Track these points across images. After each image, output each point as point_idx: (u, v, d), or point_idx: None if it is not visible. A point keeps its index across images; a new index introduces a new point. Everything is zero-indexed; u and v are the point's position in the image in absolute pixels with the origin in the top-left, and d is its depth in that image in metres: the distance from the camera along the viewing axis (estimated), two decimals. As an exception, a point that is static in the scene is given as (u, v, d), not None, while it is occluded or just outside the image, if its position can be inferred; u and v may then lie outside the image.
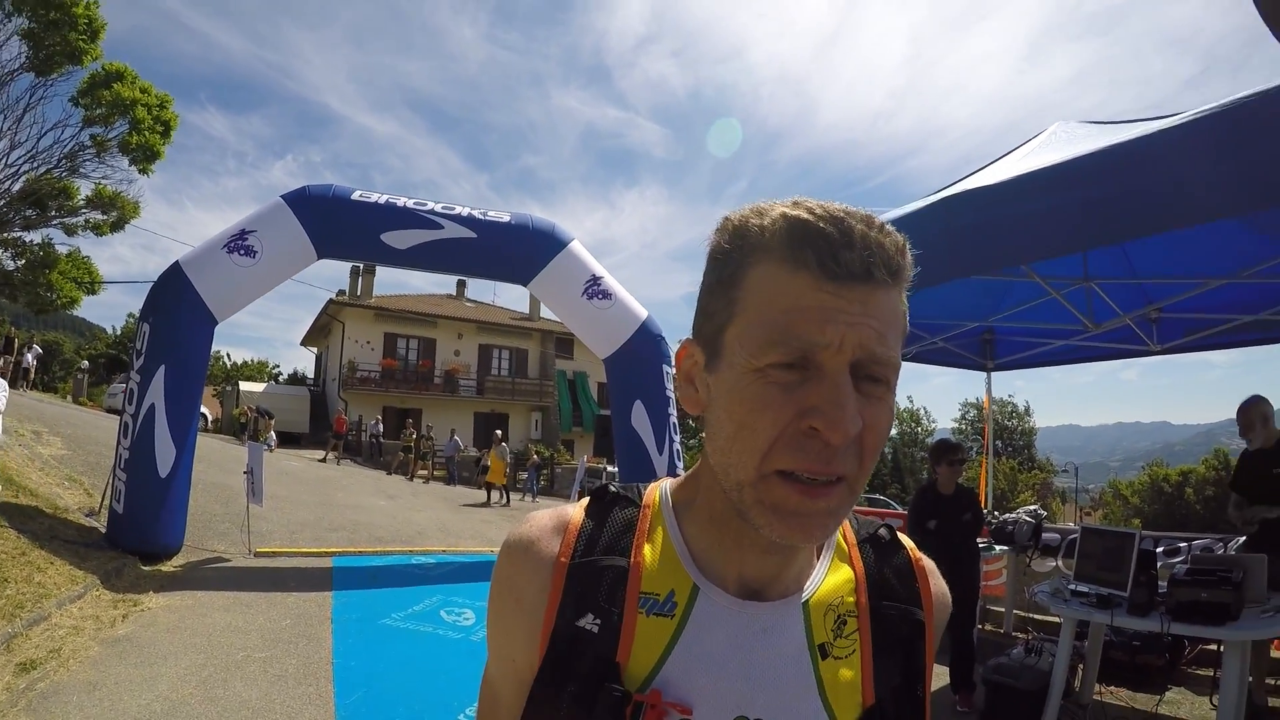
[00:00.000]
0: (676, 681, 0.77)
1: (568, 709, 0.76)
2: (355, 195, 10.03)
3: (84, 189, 16.73)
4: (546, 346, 40.55)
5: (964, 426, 48.99)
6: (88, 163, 16.25)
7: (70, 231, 16.92)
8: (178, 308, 8.99)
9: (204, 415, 23.06)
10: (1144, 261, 5.89)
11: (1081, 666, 5.40)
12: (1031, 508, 8.15)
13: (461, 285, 42.81)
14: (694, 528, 0.85)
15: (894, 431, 47.06)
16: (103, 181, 16.68)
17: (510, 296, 59.80)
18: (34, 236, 16.73)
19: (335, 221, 9.85)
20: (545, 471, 27.48)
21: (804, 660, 0.80)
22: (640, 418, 11.01)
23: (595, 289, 10.97)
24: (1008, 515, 7.97)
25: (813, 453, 0.68)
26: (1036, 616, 7.54)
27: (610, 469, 23.13)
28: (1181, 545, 6.79)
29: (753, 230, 0.74)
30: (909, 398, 61.69)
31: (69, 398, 28.13)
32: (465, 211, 10.43)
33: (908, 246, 0.74)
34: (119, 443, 8.80)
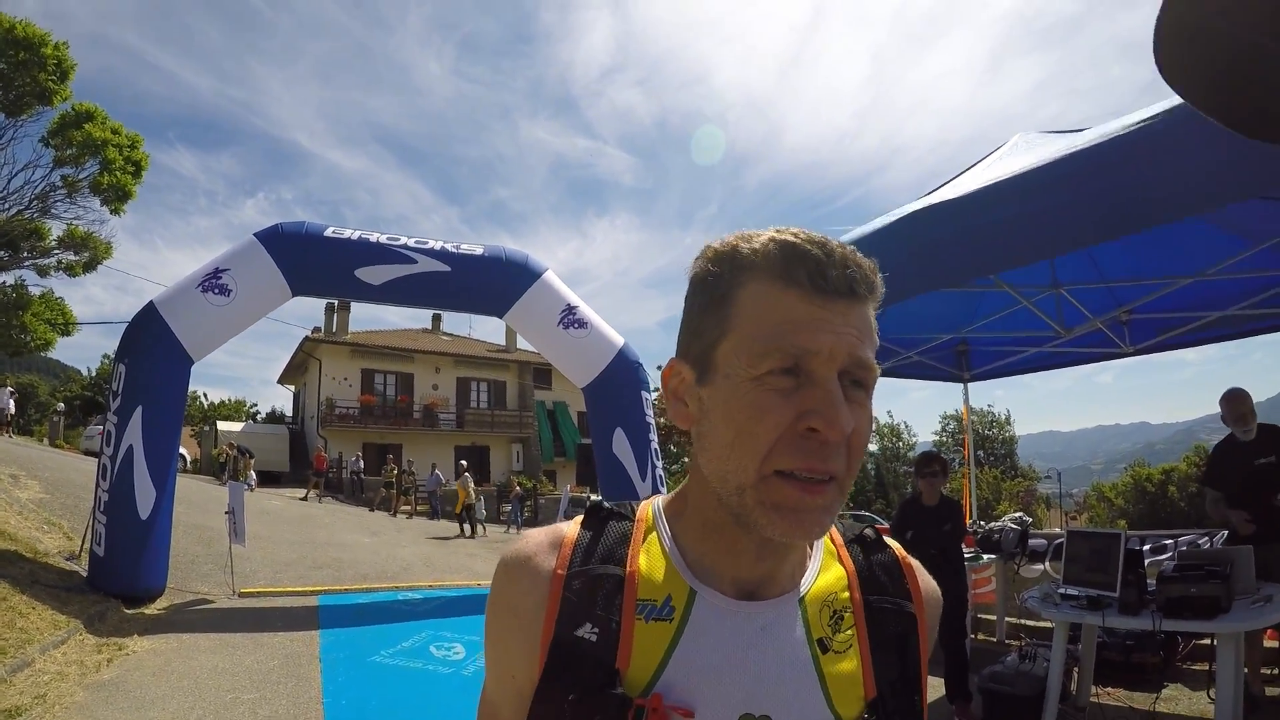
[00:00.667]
0: (678, 685, 0.78)
1: (569, 718, 0.77)
2: (328, 232, 10.02)
3: (56, 230, 16.62)
4: (525, 377, 40.41)
5: (945, 439, 49.18)
6: (59, 203, 16.15)
7: (43, 273, 16.77)
8: (153, 348, 8.93)
9: (182, 456, 22.80)
10: (1111, 265, 5.99)
11: (1076, 669, 5.42)
12: (1016, 515, 8.19)
13: (437, 319, 42.66)
14: (687, 538, 0.87)
15: (875, 447, 47.01)
16: (74, 222, 16.57)
17: (486, 329, 59.77)
18: (6, 278, 16.58)
19: (309, 258, 9.84)
20: (529, 503, 27.33)
21: (805, 655, 0.82)
22: (621, 444, 11.01)
23: (571, 318, 11.00)
24: (993, 524, 8.01)
25: (810, 452, 0.73)
26: (1029, 623, 7.57)
27: (594, 497, 23.05)
28: (1168, 542, 6.84)
29: (742, 253, 0.80)
30: (889, 412, 61.96)
31: (45, 440, 27.72)
32: (438, 245, 10.46)
33: (878, 269, 0.81)
34: (98, 485, 8.69)
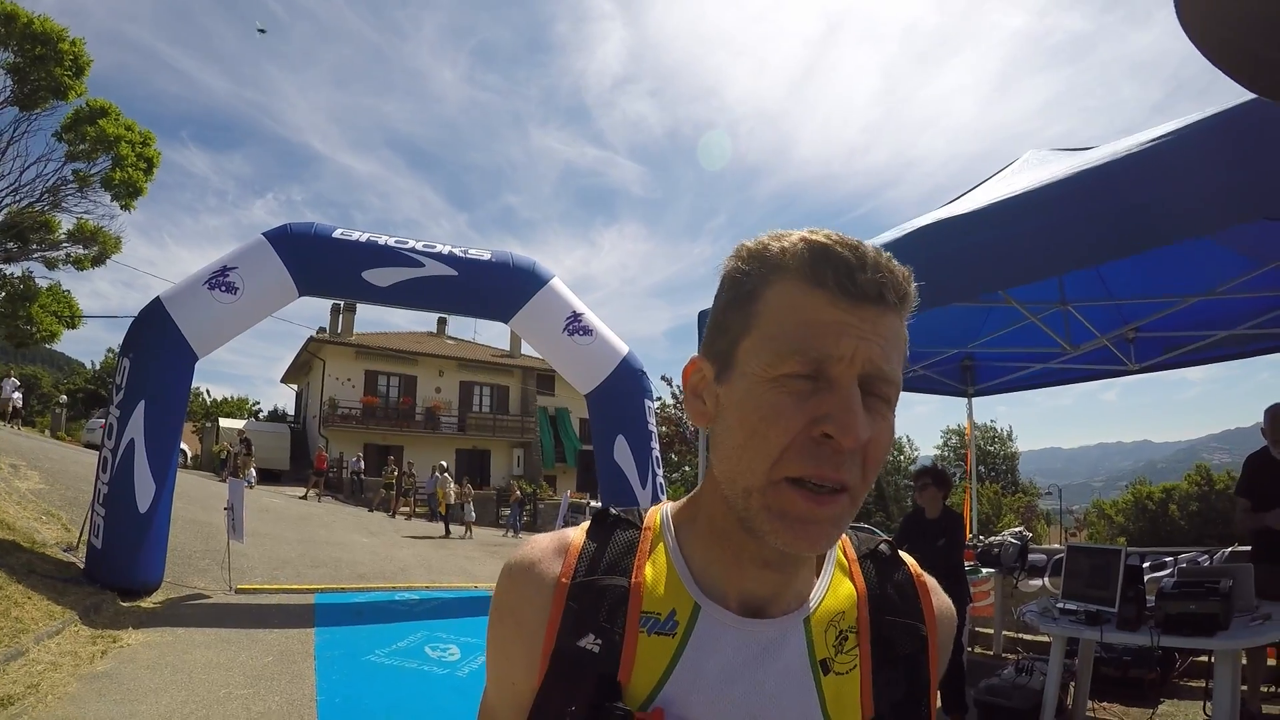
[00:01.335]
0: (678, 700, 0.77)
1: None
2: (337, 233, 10.06)
3: (65, 223, 16.64)
4: (528, 383, 40.42)
5: (947, 453, 49.13)
6: (70, 197, 16.17)
7: (51, 265, 16.79)
8: (158, 343, 8.95)
9: (183, 452, 22.82)
10: (1119, 282, 5.99)
11: (1073, 684, 5.39)
12: (1016, 529, 8.18)
13: (442, 323, 42.68)
14: (694, 546, 0.85)
15: (878, 459, 47.47)
16: (84, 216, 16.59)
17: (491, 334, 59.73)
18: (14, 269, 16.60)
19: (317, 259, 9.87)
20: (528, 508, 27.30)
21: (806, 676, 0.80)
22: (623, 452, 11.00)
23: (576, 325, 11.01)
24: (993, 538, 7.99)
25: (823, 458, 0.71)
26: (1026, 636, 7.55)
27: (594, 504, 23.02)
28: (1168, 559, 6.82)
29: (772, 252, 0.78)
30: (891, 427, 61.68)
31: (47, 432, 27.77)
32: (446, 249, 10.48)
33: (912, 277, 0.79)
34: (98, 477, 8.71)
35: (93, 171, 16.03)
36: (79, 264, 17.03)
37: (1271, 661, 5.45)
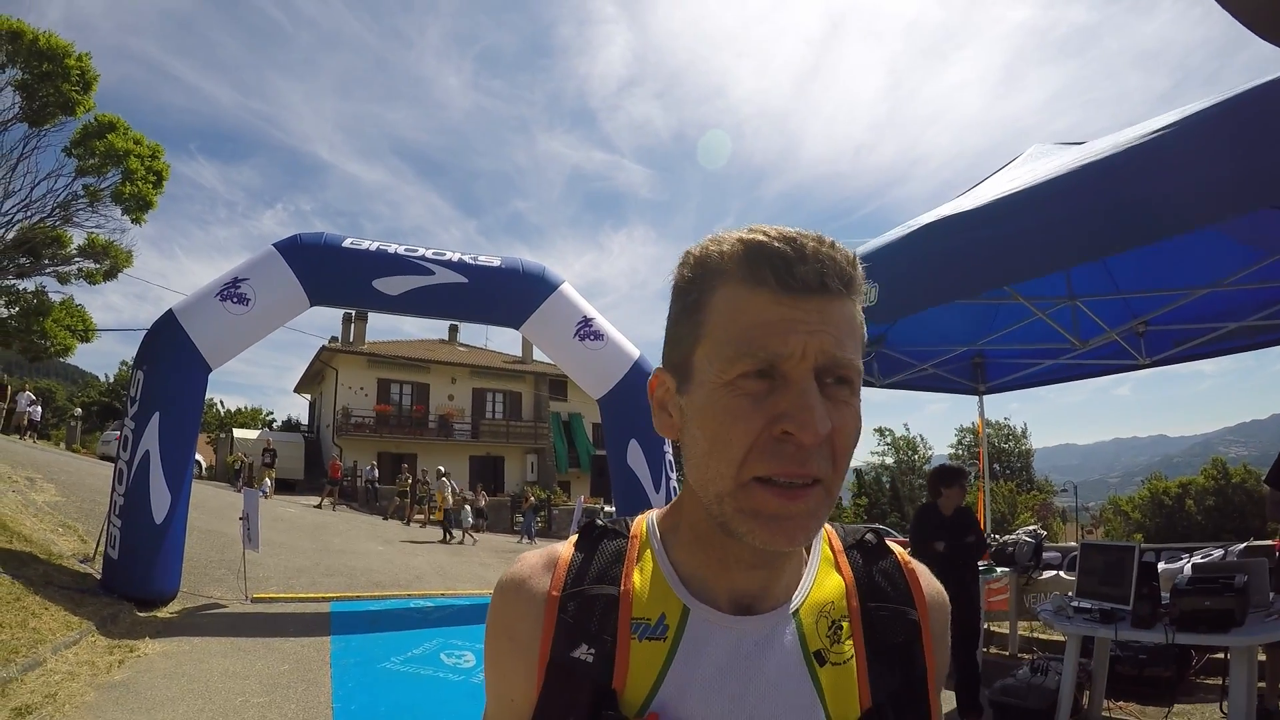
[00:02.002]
0: (674, 702, 0.77)
1: None
2: (347, 243, 10.10)
3: (77, 238, 16.79)
4: (540, 389, 40.45)
5: (961, 451, 48.84)
6: (80, 212, 16.33)
7: (63, 280, 16.95)
8: (172, 355, 9.00)
9: (198, 462, 22.96)
10: (1126, 276, 5.96)
11: (1089, 683, 5.37)
12: (1031, 528, 8.14)
13: (454, 330, 42.76)
14: (681, 552, 0.86)
15: (890, 460, 46.76)
16: (95, 231, 16.76)
17: (502, 340, 59.87)
18: (27, 284, 16.76)
19: (327, 269, 9.91)
20: (543, 513, 27.33)
21: (801, 669, 0.80)
22: (636, 456, 10.99)
23: (587, 330, 11.01)
24: (1008, 537, 7.96)
25: (787, 456, 0.71)
26: (1041, 636, 7.51)
27: (608, 509, 23.02)
28: (1183, 556, 6.78)
29: (713, 257, 0.79)
30: (905, 425, 61.54)
31: (62, 445, 27.95)
32: (456, 257, 10.50)
33: (858, 259, 0.78)
34: (114, 489, 8.76)
35: (103, 186, 16.18)
36: (91, 278, 17.18)
37: None
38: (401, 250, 10.26)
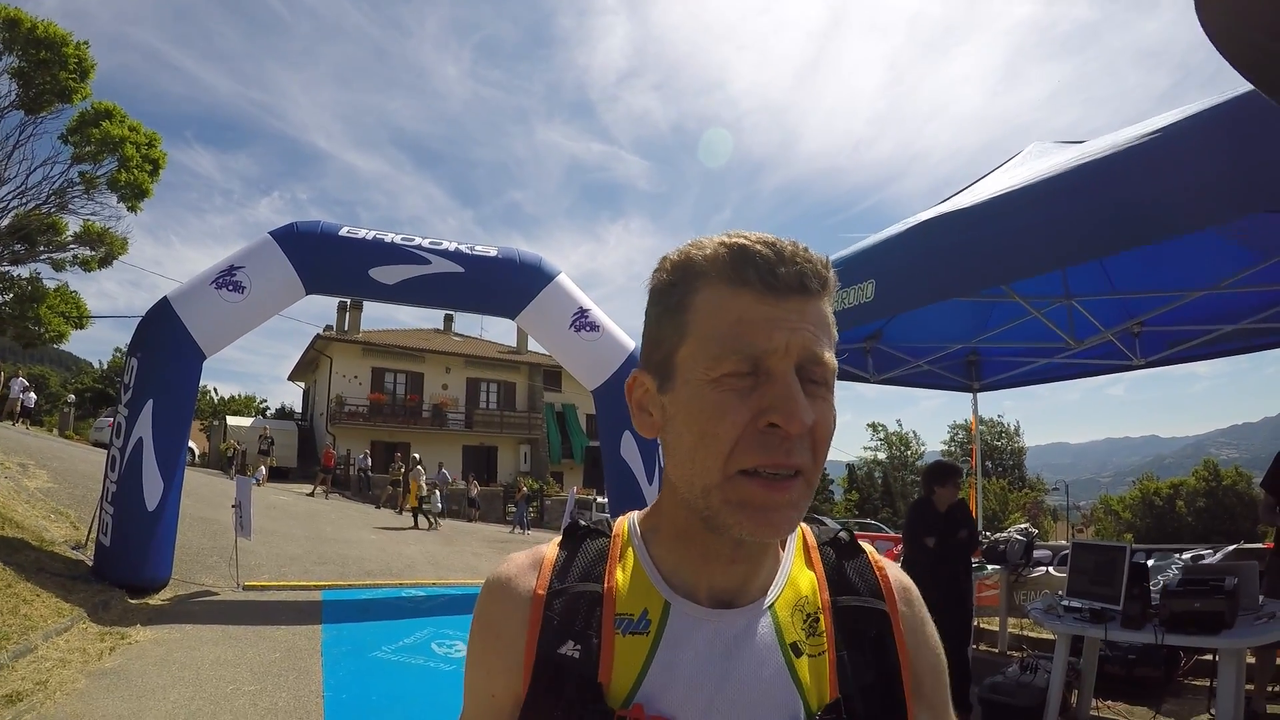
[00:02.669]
0: (657, 695, 0.79)
1: None
2: (343, 231, 10.08)
3: (72, 225, 16.71)
4: (534, 379, 40.42)
5: (953, 448, 49.00)
6: (76, 199, 16.24)
7: (58, 267, 16.86)
8: (166, 342, 8.99)
9: (191, 450, 22.92)
10: (1123, 276, 5.96)
11: (1077, 683, 5.39)
12: (1022, 526, 8.17)
13: (449, 319, 42.73)
14: (662, 549, 0.88)
15: (883, 455, 46.85)
16: (91, 218, 16.66)
17: (498, 330, 59.76)
18: (22, 271, 16.67)
19: (323, 257, 9.89)
20: (535, 504, 27.34)
21: (779, 660, 0.82)
22: (630, 448, 11.01)
23: (583, 321, 11.01)
24: (999, 535, 7.98)
25: (773, 447, 0.74)
26: (1031, 634, 7.54)
27: (601, 500, 23.04)
28: (1174, 557, 6.80)
29: (696, 261, 0.82)
30: (898, 421, 61.58)
31: (55, 431, 27.89)
32: (452, 246, 10.49)
33: (830, 263, 0.82)
34: (106, 476, 8.76)
35: (99, 173, 16.09)
36: (86, 265, 17.10)
37: (1279, 661, 5.43)
38: (398, 239, 10.25)
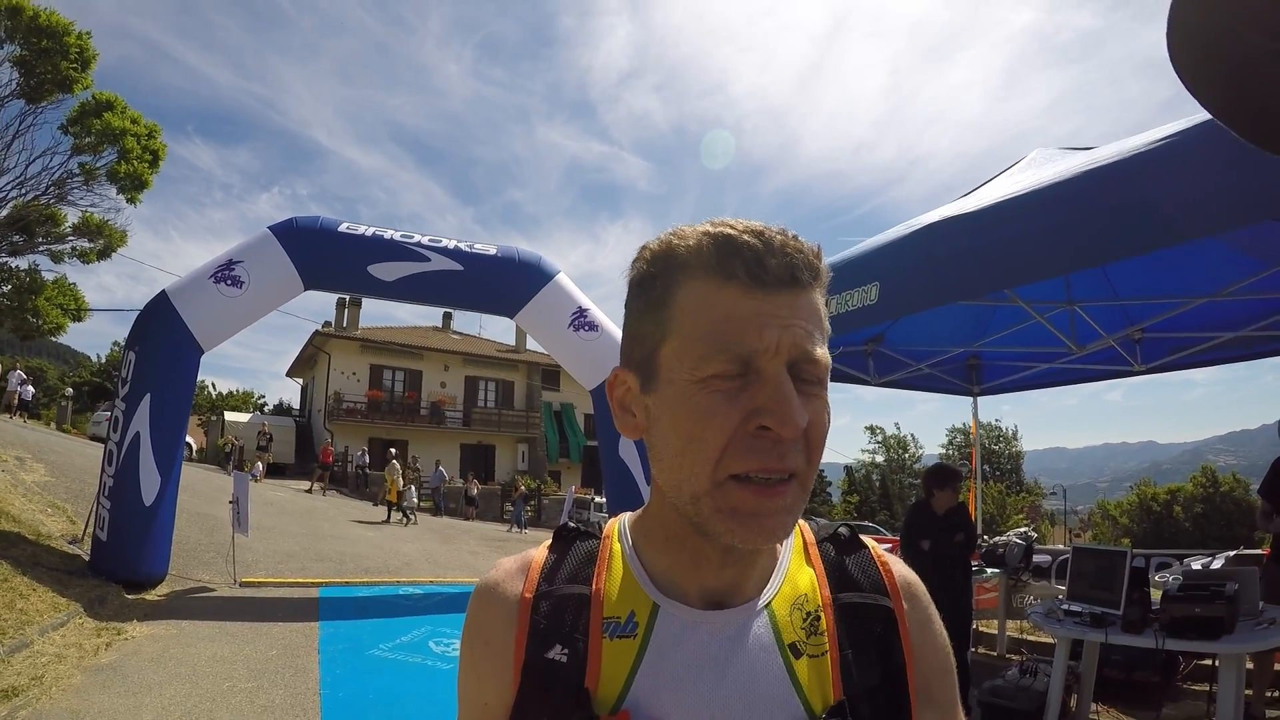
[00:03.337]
0: (646, 700, 0.76)
1: None
2: (343, 227, 10.06)
3: (71, 216, 16.69)
4: (533, 378, 40.42)
5: (952, 452, 48.99)
6: (75, 190, 16.22)
7: (57, 259, 16.85)
8: (164, 337, 8.97)
9: (189, 445, 22.91)
10: (1125, 283, 5.96)
11: (1076, 687, 5.38)
12: (1022, 530, 8.16)
13: (447, 317, 42.74)
14: (652, 551, 0.85)
15: (881, 458, 46.92)
16: (90, 210, 16.65)
17: (496, 329, 59.73)
18: (20, 262, 16.65)
19: (322, 253, 9.87)
20: (533, 503, 27.33)
21: (776, 662, 0.79)
22: (628, 449, 11.01)
23: (581, 321, 11.00)
24: (998, 538, 7.98)
25: (765, 451, 0.71)
26: (1030, 638, 7.53)
27: (598, 499, 23.05)
28: (1173, 562, 6.80)
29: (677, 252, 0.77)
30: (896, 424, 61.58)
31: (53, 425, 27.84)
32: (452, 244, 10.48)
33: (821, 252, 0.78)
34: (103, 470, 8.74)
35: (98, 165, 16.07)
36: (85, 257, 17.08)
37: (1278, 666, 5.43)
38: (398, 236, 10.23)
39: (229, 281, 9.25)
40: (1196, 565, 6.52)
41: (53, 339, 18.75)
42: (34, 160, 15.86)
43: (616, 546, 0.88)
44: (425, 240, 10.35)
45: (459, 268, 10.34)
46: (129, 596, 8.04)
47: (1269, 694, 5.37)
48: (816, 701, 0.78)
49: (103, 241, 17.01)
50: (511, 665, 0.81)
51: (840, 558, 0.90)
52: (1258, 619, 4.22)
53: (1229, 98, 0.71)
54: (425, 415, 36.65)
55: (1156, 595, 4.59)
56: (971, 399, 8.60)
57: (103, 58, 15.98)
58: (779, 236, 0.75)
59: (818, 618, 0.83)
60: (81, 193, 16.36)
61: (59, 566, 8.00)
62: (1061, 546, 8.80)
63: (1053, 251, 3.86)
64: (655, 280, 0.78)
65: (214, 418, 37.47)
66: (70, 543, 9.23)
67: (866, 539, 0.94)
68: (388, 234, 10.21)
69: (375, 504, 24.22)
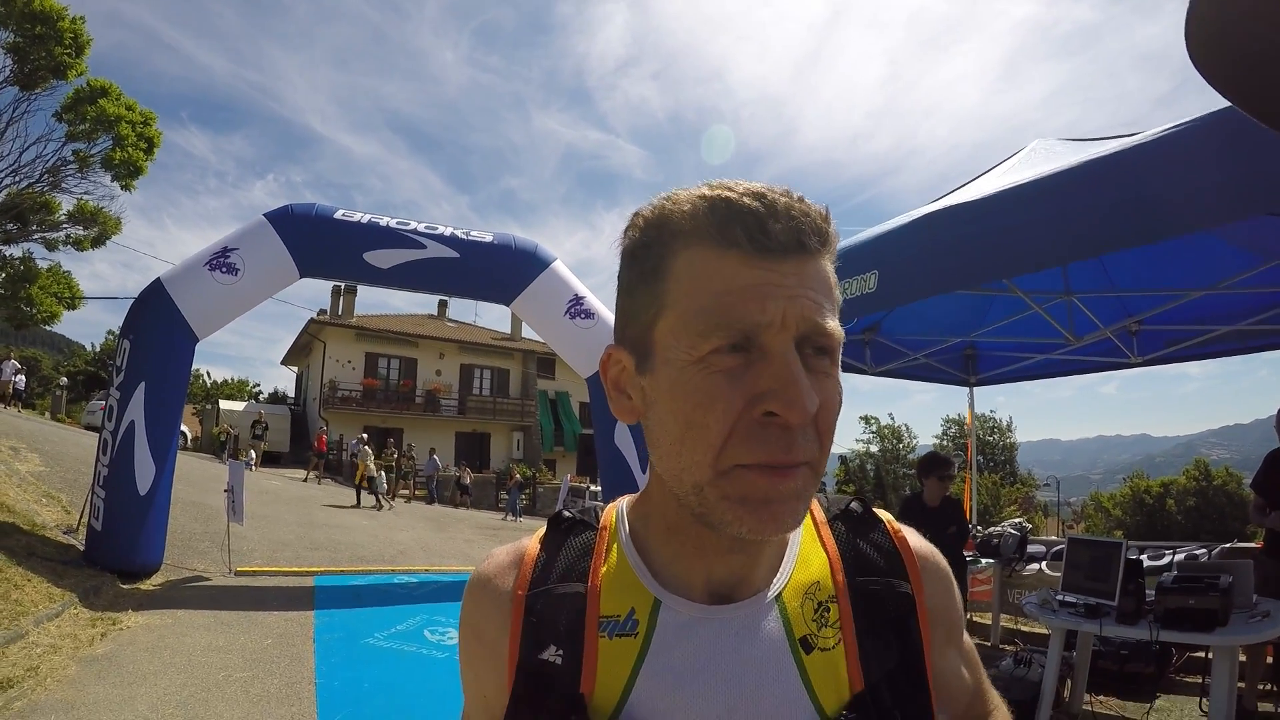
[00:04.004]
0: (647, 703, 0.73)
1: None
2: (338, 214, 10.01)
3: (65, 204, 16.66)
4: (528, 366, 40.40)
5: (946, 442, 49.07)
6: (70, 178, 16.19)
7: (51, 246, 16.81)
8: (158, 325, 8.92)
9: (183, 434, 22.89)
10: (1123, 274, 5.97)
11: (1070, 677, 5.40)
12: (1016, 520, 8.19)
13: (443, 305, 42.64)
14: (652, 541, 0.81)
15: (875, 448, 47.06)
16: (85, 197, 16.61)
17: (492, 317, 59.70)
18: (14, 250, 16.61)
19: (318, 240, 9.83)
20: (527, 491, 27.35)
21: (786, 657, 0.75)
22: (623, 436, 11.00)
23: (578, 308, 10.98)
24: (992, 529, 8.00)
25: (772, 440, 0.65)
26: (1024, 628, 7.56)
27: (594, 488, 23.07)
28: (1167, 554, 6.82)
29: (672, 218, 0.71)
30: (890, 414, 61.64)
31: (47, 414, 27.78)
32: (448, 231, 10.44)
33: (830, 214, 0.72)
34: (98, 460, 8.70)
35: (93, 152, 16.03)
36: (79, 245, 17.05)
37: (1270, 659, 5.45)
38: (393, 223, 10.19)
39: (224, 269, 9.21)
40: (1179, 557, 6.55)
41: (47, 328, 18.74)
42: (28, 147, 15.84)
43: (614, 537, 0.83)
44: (421, 227, 10.30)
45: (455, 255, 10.30)
46: (124, 586, 8.02)
47: (1262, 687, 5.39)
48: (830, 699, 0.74)
49: (97, 229, 16.97)
50: (505, 663, 0.78)
51: (854, 538, 0.85)
52: (1252, 611, 4.24)
53: (1249, 87, 0.69)
54: (420, 403, 36.62)
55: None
56: (967, 389, 8.61)
57: (97, 44, 15.93)
58: (783, 198, 0.68)
59: (829, 608, 0.78)
60: (76, 180, 16.34)
61: (54, 556, 7.98)
62: (1055, 538, 8.82)
63: (1051, 242, 3.86)
64: (649, 249, 0.72)
65: (209, 406, 37.41)
66: (65, 533, 9.21)
67: (880, 512, 0.90)
68: (383, 221, 10.17)
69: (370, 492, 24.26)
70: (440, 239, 10.27)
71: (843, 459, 52.17)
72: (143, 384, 8.65)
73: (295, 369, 43.49)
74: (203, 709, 5.09)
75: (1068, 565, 5.07)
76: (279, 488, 20.53)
